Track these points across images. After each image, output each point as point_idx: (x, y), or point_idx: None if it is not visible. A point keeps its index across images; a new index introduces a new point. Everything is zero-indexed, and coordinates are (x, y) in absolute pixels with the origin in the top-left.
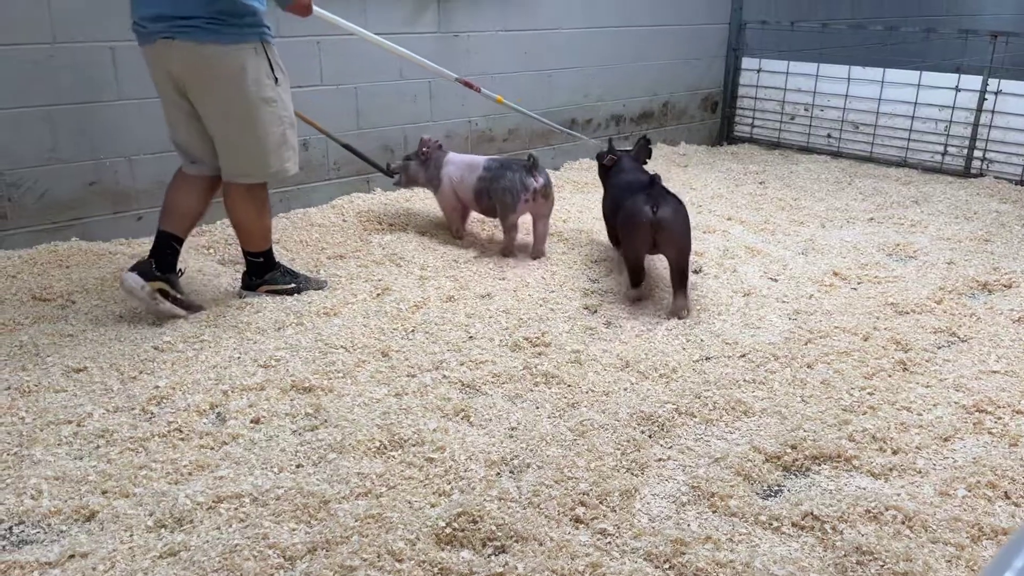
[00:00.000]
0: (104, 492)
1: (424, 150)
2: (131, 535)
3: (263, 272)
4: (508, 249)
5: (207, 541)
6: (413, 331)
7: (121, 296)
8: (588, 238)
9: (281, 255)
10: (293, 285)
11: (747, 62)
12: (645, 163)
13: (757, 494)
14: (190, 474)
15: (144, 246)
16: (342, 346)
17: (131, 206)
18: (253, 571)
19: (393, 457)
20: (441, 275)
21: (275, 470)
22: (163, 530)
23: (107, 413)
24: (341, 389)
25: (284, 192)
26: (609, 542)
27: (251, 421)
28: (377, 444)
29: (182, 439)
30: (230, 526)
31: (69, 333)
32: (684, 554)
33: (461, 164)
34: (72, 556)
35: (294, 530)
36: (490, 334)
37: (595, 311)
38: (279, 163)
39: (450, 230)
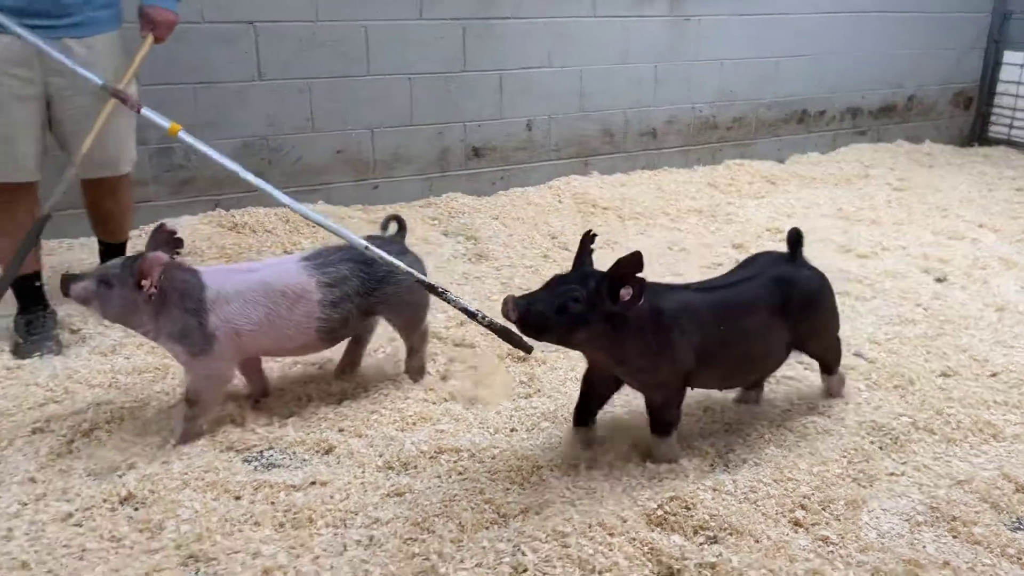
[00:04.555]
0: (341, 430)
1: (150, 279)
2: (363, 471)
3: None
4: (421, 369)
5: (429, 487)
6: None
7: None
8: (817, 237)
9: (499, 230)
10: None
11: (1009, 56)
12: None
13: (1005, 524)
14: (414, 424)
15: (381, 213)
16: None
17: (369, 175)
18: (470, 521)
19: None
20: (655, 261)
21: (491, 431)
22: (391, 471)
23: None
24: (554, 362)
25: (504, 170)
26: (832, 551)
27: (471, 382)
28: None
29: (409, 395)
30: (450, 477)
31: None
32: None
33: (259, 296)
34: (313, 483)
35: (508, 489)
36: None
37: None
38: None
39: (192, 420)
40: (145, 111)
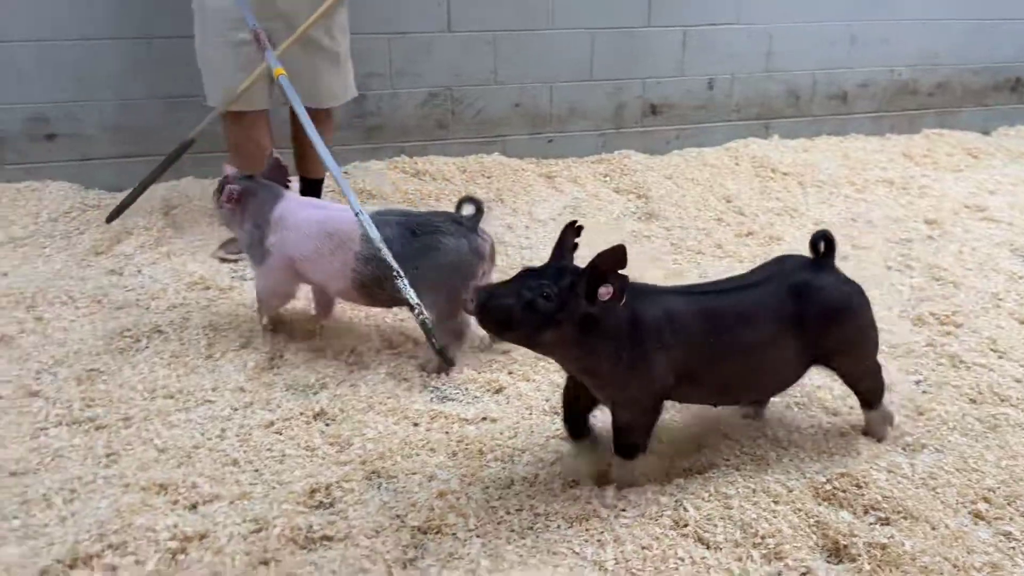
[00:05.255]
0: (510, 373)
1: (231, 189)
2: (531, 413)
3: None
4: (452, 359)
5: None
6: None
7: (539, 210)
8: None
9: (671, 190)
10: None
11: None
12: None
13: None
14: None
15: (553, 167)
16: None
17: (544, 128)
18: (626, 482)
19: (772, 402)
20: (836, 232)
21: None
22: (556, 416)
23: None
24: None
25: (680, 130)
26: (1014, 547)
27: None
28: None
29: None
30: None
31: None
32: None
33: (308, 229)
34: (484, 419)
35: (672, 447)
36: (889, 302)
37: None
38: None
39: (260, 316)
40: (268, 54)
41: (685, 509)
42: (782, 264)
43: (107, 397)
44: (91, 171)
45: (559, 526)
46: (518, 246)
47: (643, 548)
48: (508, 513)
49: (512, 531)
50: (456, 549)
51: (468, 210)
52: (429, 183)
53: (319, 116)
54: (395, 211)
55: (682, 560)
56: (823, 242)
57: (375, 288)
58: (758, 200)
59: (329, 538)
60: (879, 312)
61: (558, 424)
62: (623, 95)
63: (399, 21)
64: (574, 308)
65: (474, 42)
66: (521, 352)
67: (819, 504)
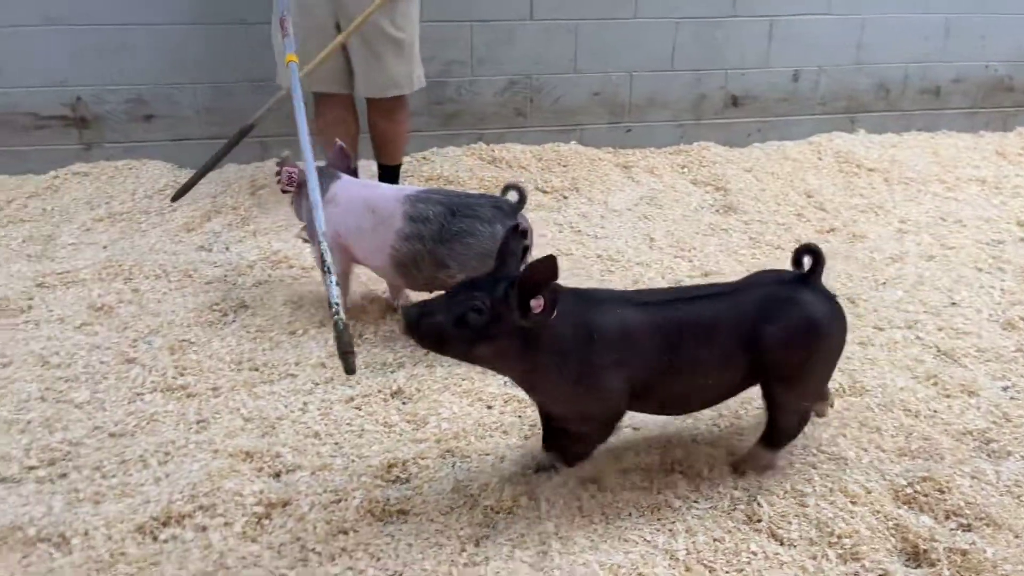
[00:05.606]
0: None
1: (289, 172)
2: None
3: None
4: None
5: (658, 427)
6: (885, 284)
7: (615, 200)
8: None
9: (750, 184)
10: None
11: None
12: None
13: None
14: None
15: (630, 157)
16: None
17: (623, 118)
18: (707, 467)
19: (853, 403)
20: (924, 231)
21: None
22: None
23: None
24: None
25: (763, 122)
26: None
27: None
28: (835, 386)
29: None
30: (683, 419)
31: (557, 222)
32: None
33: (354, 205)
34: None
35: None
36: (978, 304)
37: None
38: None
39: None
40: (288, 39)
41: (759, 504)
42: (760, 277)
43: (198, 367)
44: (185, 151)
45: (630, 514)
46: (593, 236)
47: (715, 540)
48: (578, 499)
49: (583, 516)
50: (527, 530)
51: (512, 196)
52: (505, 171)
53: (385, 104)
54: (440, 191)
55: (755, 554)
56: (809, 256)
57: (412, 268)
58: (841, 196)
59: (404, 512)
60: (968, 314)
61: (630, 414)
62: (704, 86)
63: (482, 9)
64: (508, 321)
65: (556, 30)
66: None
67: (899, 507)
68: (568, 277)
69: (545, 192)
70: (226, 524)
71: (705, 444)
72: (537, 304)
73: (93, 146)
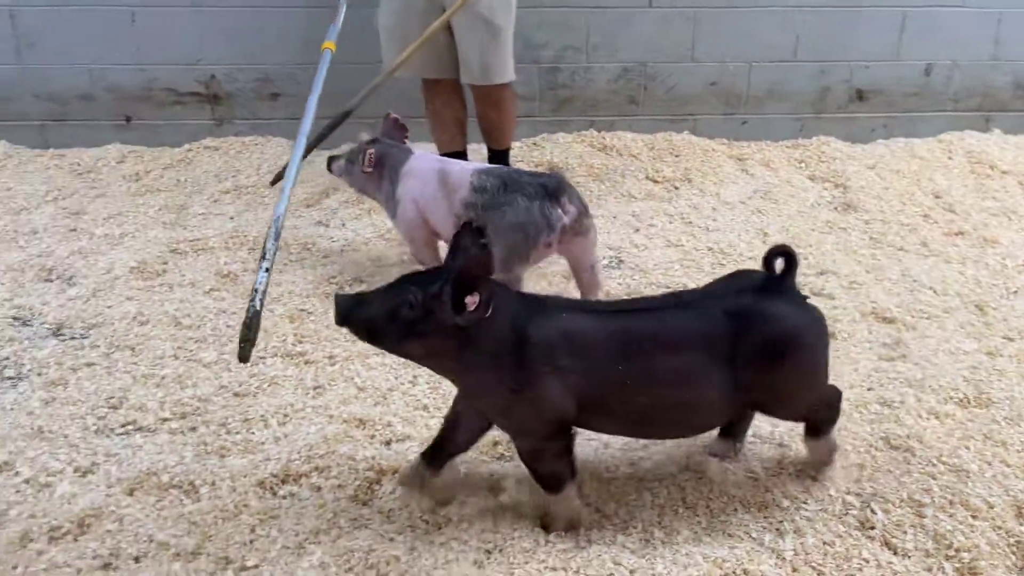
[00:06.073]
0: None
1: (371, 153)
2: None
3: None
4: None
5: (771, 425)
6: (1016, 292)
7: (727, 193)
8: None
9: (872, 181)
10: None
11: None
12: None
13: None
14: None
15: (745, 149)
16: (931, 287)
17: (740, 109)
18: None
19: (978, 414)
20: None
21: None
22: None
23: None
24: (925, 330)
25: (889, 118)
26: None
27: None
28: (960, 396)
29: None
30: None
31: (668, 213)
32: None
33: (431, 176)
34: None
35: (868, 451)
36: None
37: None
38: None
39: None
40: (334, 26)
41: (873, 512)
42: (730, 282)
43: (315, 336)
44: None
45: (736, 509)
46: (704, 228)
47: (825, 543)
48: (684, 489)
49: (687, 507)
50: (629, 516)
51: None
52: (615, 158)
53: (486, 91)
54: (507, 169)
55: (867, 562)
56: (782, 259)
57: None
58: (972, 198)
59: (504, 489)
60: None
61: None
62: (827, 79)
63: None
64: (440, 319)
65: (674, 18)
66: None
67: (1021, 524)
68: (677, 268)
69: (656, 181)
70: (339, 486)
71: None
72: (472, 301)
73: (224, 122)
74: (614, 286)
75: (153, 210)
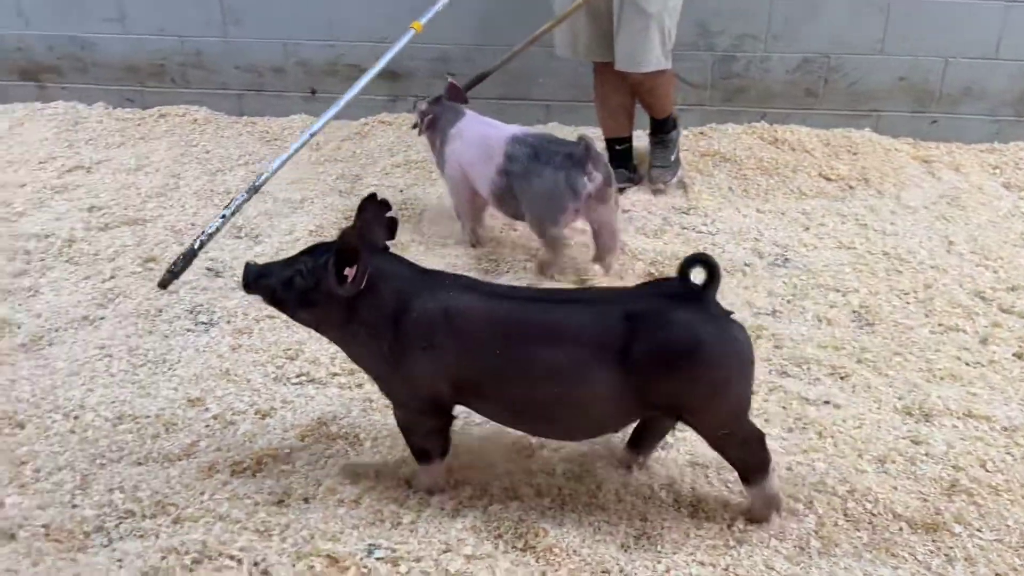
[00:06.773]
0: (859, 361)
1: (423, 110)
2: (879, 407)
3: None
4: (550, 267)
5: (945, 445)
6: None
7: (909, 196)
8: None
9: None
10: None
11: None
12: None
13: None
14: (942, 379)
15: (932, 150)
16: None
17: (930, 107)
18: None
19: None
20: None
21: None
22: (908, 416)
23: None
24: None
25: None
26: None
27: (1013, 355)
28: None
29: (940, 348)
30: (973, 441)
31: (841, 213)
32: None
33: (474, 140)
34: (827, 402)
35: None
36: None
37: None
38: None
39: (463, 230)
40: (428, 13)
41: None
42: (652, 286)
43: None
44: (475, 108)
45: (901, 528)
46: (881, 232)
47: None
48: (843, 500)
49: (849, 520)
50: (785, 523)
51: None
52: (787, 153)
53: (635, 79)
54: (543, 135)
55: None
56: (702, 268)
57: (504, 200)
58: None
59: (658, 478)
60: None
61: (909, 425)
62: None
63: None
64: (325, 289)
65: (864, 7)
66: (876, 343)
67: None
68: (848, 272)
69: (829, 179)
70: (496, 457)
71: (996, 472)
72: (350, 272)
73: (398, 98)
74: (779, 284)
75: (331, 178)
